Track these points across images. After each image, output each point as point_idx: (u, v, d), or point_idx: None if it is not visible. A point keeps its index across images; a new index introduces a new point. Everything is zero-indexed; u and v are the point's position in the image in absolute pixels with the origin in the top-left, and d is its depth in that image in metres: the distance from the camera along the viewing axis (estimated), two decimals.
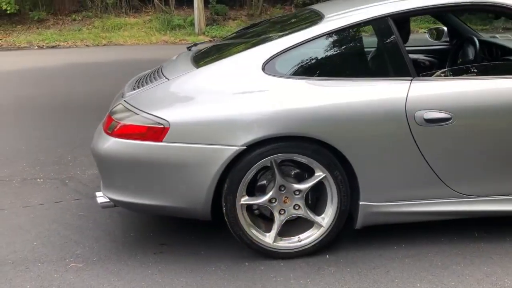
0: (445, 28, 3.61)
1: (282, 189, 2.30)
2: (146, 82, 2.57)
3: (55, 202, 3.11)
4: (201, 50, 3.04)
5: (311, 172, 2.30)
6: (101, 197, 2.46)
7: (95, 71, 7.75)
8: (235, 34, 3.37)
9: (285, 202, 2.33)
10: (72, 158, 3.85)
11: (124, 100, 2.43)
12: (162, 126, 2.20)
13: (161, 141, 2.21)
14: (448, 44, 3.64)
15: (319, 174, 2.26)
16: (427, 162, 2.25)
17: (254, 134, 2.16)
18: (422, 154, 2.24)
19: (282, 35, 2.43)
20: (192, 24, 11.46)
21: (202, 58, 2.73)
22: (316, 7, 2.95)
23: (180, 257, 2.45)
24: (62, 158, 3.85)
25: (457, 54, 3.33)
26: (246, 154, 2.19)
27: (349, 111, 2.21)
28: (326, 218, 2.35)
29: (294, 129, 2.20)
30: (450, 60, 3.37)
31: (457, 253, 2.39)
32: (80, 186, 3.36)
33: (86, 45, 10.83)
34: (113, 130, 2.30)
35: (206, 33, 11.13)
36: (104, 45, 10.84)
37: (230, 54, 2.54)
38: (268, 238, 2.35)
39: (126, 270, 2.33)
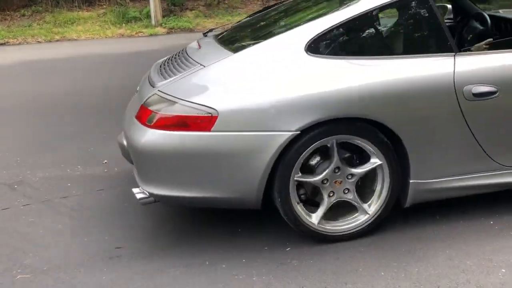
0: (449, 5, 3.59)
1: (337, 171, 2.26)
2: (174, 70, 2.48)
3: (1, 209, 2.91)
4: (221, 34, 2.95)
5: (362, 156, 2.30)
6: (140, 193, 2.32)
7: (48, 68, 7.40)
8: (250, 17, 3.29)
9: (336, 184, 2.29)
10: (22, 161, 3.63)
11: (159, 90, 2.32)
12: (210, 114, 2.12)
13: (209, 130, 2.12)
14: (452, 21, 3.56)
15: (375, 161, 2.24)
16: (474, 137, 2.28)
17: (308, 118, 2.11)
18: (470, 129, 2.26)
19: (322, 15, 2.41)
20: (148, 16, 11.13)
21: (232, 42, 2.69)
22: None
23: (135, 261, 2.32)
24: (9, 162, 3.62)
25: (463, 30, 3.26)
26: (300, 138, 2.14)
27: (401, 89, 2.19)
28: (373, 205, 2.33)
29: (347, 110, 2.17)
30: (457, 37, 3.24)
31: (419, 238, 2.37)
32: (30, 190, 3.16)
33: (38, 41, 10.33)
34: (153, 121, 2.19)
35: (163, 24, 10.83)
36: (57, 40, 10.38)
37: (268, 37, 2.47)
38: (313, 219, 2.29)
39: (79, 279, 2.19)
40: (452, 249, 2.26)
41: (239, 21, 3.39)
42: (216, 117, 2.12)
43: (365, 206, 2.33)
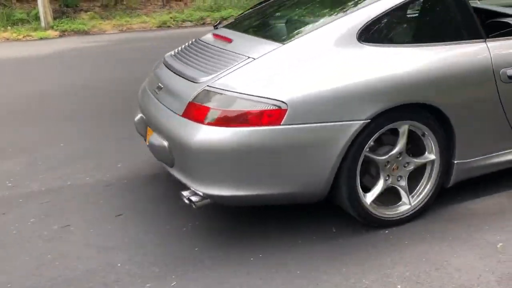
0: None
1: (399, 156, 2.35)
2: (212, 64, 2.36)
3: None
4: (242, 25, 2.95)
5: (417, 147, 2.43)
6: (192, 196, 2.19)
7: None
8: (260, 5, 3.25)
9: (393, 170, 2.37)
10: None
11: (208, 86, 2.18)
12: (279, 108, 2.05)
13: (279, 124, 2.05)
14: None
15: (430, 156, 2.42)
16: (506, 116, 2.52)
17: (377, 106, 2.16)
18: (504, 109, 2.50)
19: (366, 3, 2.41)
20: (37, 18, 10.31)
21: (268, 32, 2.82)
22: None
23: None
24: None
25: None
26: (369, 126, 2.18)
27: (453, 74, 2.33)
28: (417, 196, 2.46)
29: (411, 97, 2.26)
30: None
31: (314, 256, 2.20)
32: None
33: None
34: (210, 118, 2.09)
35: (55, 27, 10.04)
36: None
37: (315, 27, 2.40)
38: (367, 198, 2.33)
39: None
40: (348, 266, 2.12)
41: (247, 10, 3.29)
42: (285, 110, 2.05)
43: (410, 196, 2.45)
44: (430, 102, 2.28)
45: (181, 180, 2.26)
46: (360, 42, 2.25)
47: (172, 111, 2.29)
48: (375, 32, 2.31)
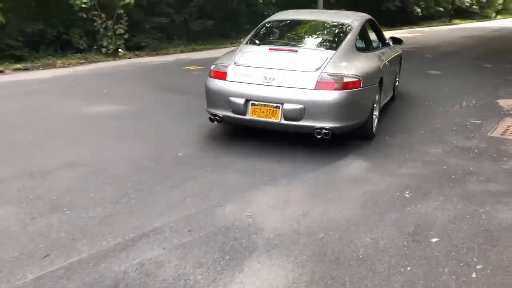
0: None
1: (377, 102, 5.25)
2: (306, 60, 4.49)
3: None
4: (279, 40, 5.31)
5: None
6: (323, 130, 4.26)
7: None
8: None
9: (375, 109, 5.09)
10: None
11: (324, 72, 4.25)
12: (359, 79, 4.40)
13: (360, 87, 4.41)
14: None
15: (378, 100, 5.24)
16: (389, 80, 5.89)
17: (378, 78, 5.17)
18: (386, 78, 5.61)
19: (351, 31, 5.22)
20: None
21: (319, 45, 5.13)
22: None
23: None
24: None
25: None
26: (378, 86, 5.19)
27: (382, 64, 5.40)
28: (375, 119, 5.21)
29: (381, 74, 5.28)
30: None
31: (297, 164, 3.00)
32: None
33: None
34: (338, 87, 4.20)
35: None
36: None
37: (339, 42, 4.88)
38: (374, 124, 5.18)
39: None
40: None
41: (259, 31, 5.47)
42: (361, 80, 4.34)
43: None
44: (382, 76, 5.15)
45: (307, 125, 4.18)
46: (358, 51, 4.98)
47: (301, 88, 4.20)
48: (360, 46, 5.14)
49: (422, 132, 5.46)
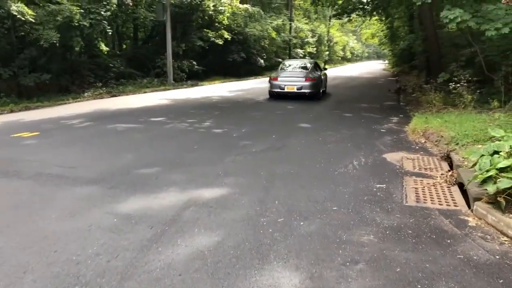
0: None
1: None
2: (300, 75, 15.41)
3: None
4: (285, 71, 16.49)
5: None
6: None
7: None
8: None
9: None
10: None
11: (305, 76, 15.23)
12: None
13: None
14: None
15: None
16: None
17: None
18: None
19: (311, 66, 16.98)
20: None
21: (302, 72, 15.95)
22: None
23: None
24: None
25: None
26: None
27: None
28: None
29: None
30: None
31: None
32: None
33: None
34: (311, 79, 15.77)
35: None
36: None
37: (313, 72, 16.23)
38: None
39: None
40: None
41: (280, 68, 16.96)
42: (315, 78, 15.83)
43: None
44: (321, 78, 16.49)
45: (303, 91, 14.85)
46: (314, 71, 16.07)
47: (300, 81, 14.93)
48: (314, 69, 16.18)
49: (336, 208, 4.51)
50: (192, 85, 23.70)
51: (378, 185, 5.31)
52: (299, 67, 16.28)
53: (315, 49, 53.08)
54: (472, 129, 7.24)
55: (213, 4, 24.42)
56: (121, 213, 4.35)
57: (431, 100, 11.99)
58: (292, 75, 15.22)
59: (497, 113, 8.74)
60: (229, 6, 26.25)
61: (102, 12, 16.94)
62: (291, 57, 41.95)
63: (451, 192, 5.12)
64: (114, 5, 17.59)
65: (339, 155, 6.88)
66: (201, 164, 6.26)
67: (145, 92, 19.32)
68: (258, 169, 6.02)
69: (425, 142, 8.02)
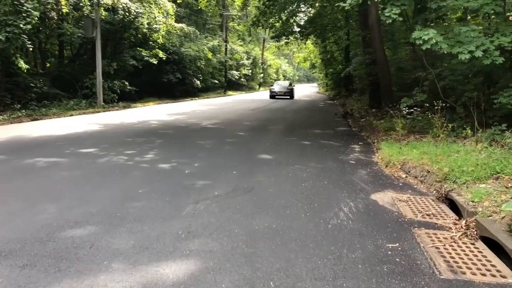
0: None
1: None
2: (286, 89, 37.42)
3: None
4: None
5: None
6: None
7: None
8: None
9: None
10: None
11: (289, 87, 38.81)
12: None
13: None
14: None
15: None
16: None
17: None
18: None
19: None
20: None
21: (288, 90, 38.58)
22: None
23: None
24: None
25: None
26: None
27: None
28: None
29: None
30: None
31: None
32: None
33: None
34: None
35: None
36: None
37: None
38: None
39: None
40: None
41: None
42: (293, 89, 42.43)
43: None
44: (292, 89, 39.02)
45: (288, 95, 36.14)
46: (290, 86, 38.39)
47: (286, 90, 36.46)
48: (291, 85, 39.38)
49: None
50: (125, 107, 21.76)
51: (390, 245, 4.11)
52: (283, 84, 38.69)
53: (250, 71, 52.70)
54: (465, 163, 6.34)
55: (147, 21, 22.74)
56: None
57: (392, 126, 11.26)
58: (281, 86, 36.81)
59: (473, 142, 8.04)
60: (164, 25, 24.66)
61: (21, 25, 14.75)
62: (226, 78, 42.10)
63: (482, 252, 4.04)
64: (36, 18, 15.43)
65: (322, 199, 5.63)
66: (152, 219, 4.69)
67: (71, 115, 17.15)
68: (230, 224, 4.58)
69: (406, 177, 7.04)
